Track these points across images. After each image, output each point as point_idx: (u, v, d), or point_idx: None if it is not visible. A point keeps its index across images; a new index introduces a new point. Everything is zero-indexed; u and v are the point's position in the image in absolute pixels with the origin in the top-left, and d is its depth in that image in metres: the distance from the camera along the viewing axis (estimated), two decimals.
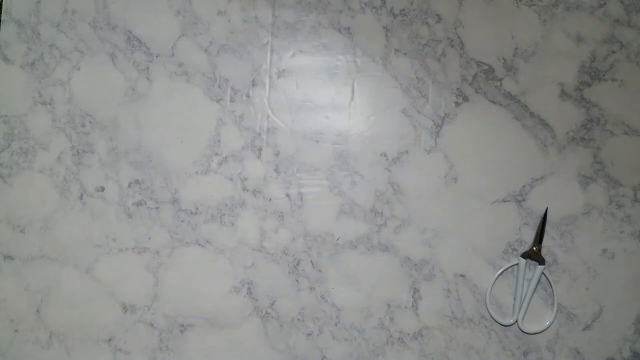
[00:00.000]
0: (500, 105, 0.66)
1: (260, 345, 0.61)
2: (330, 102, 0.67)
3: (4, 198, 0.65)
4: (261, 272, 0.63)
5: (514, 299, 0.62)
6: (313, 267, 0.64)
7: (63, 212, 0.64)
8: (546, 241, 0.63)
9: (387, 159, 0.65)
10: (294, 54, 0.68)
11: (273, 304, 0.62)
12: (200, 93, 0.67)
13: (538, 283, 0.62)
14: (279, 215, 0.64)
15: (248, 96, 0.67)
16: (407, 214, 0.64)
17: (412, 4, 0.69)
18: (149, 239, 0.64)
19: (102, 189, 0.65)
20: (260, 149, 0.66)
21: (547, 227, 0.63)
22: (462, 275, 0.63)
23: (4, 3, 0.70)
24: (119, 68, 0.68)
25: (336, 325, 0.61)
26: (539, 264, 0.62)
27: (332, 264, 0.64)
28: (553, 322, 0.61)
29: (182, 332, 0.63)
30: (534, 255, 0.62)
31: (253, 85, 0.67)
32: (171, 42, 0.69)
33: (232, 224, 0.64)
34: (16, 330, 0.62)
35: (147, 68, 0.68)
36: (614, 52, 0.67)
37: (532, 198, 0.64)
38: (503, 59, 0.67)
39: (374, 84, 0.67)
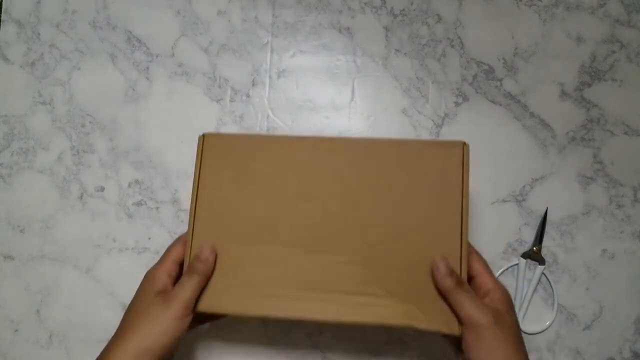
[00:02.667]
0: (500, 105, 0.66)
1: (260, 345, 0.61)
2: (330, 102, 0.67)
3: (4, 198, 0.65)
4: None
5: (514, 299, 0.62)
6: None
7: (63, 212, 0.64)
8: (546, 241, 0.63)
9: None
10: (294, 54, 0.68)
11: None
12: (200, 93, 0.67)
13: (538, 283, 0.62)
14: None
15: (248, 96, 0.67)
16: None
17: (412, 4, 0.69)
18: (149, 239, 0.64)
19: (102, 189, 0.65)
20: None
21: (547, 227, 0.63)
22: None
23: (4, 3, 0.70)
24: (119, 68, 0.68)
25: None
26: (539, 264, 0.62)
27: None
28: (553, 322, 0.61)
29: None
30: (534, 255, 0.62)
31: (253, 85, 0.68)
32: (171, 42, 0.69)
33: None
34: (16, 330, 0.62)
35: (147, 68, 0.68)
36: (614, 52, 0.67)
37: (532, 198, 0.64)
38: (503, 59, 0.67)
39: (374, 84, 0.67)
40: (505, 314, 0.46)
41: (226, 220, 0.50)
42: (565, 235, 0.63)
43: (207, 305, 0.48)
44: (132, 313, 0.47)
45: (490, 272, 0.49)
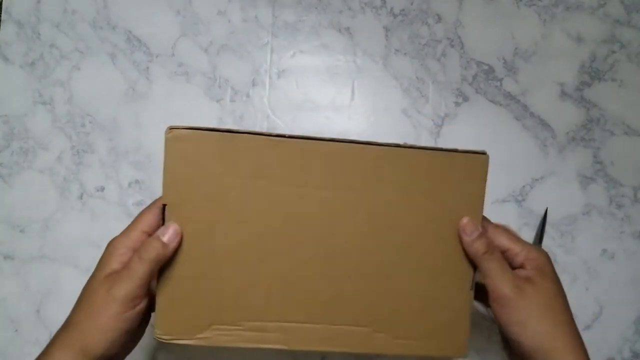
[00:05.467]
0: (500, 105, 0.66)
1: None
2: (331, 103, 0.67)
3: (4, 198, 0.65)
4: None
5: None
6: None
7: (63, 212, 0.64)
8: (546, 241, 0.63)
9: None
10: (294, 54, 0.68)
11: None
12: (200, 93, 0.67)
13: None
14: None
15: (248, 96, 0.67)
16: None
17: (412, 4, 0.69)
18: None
19: (102, 189, 0.65)
20: None
21: (547, 227, 0.63)
22: None
23: (4, 3, 0.70)
24: (119, 68, 0.68)
25: None
26: None
27: None
28: None
29: None
30: None
31: (253, 85, 0.67)
32: (171, 42, 0.69)
33: None
34: (16, 330, 0.62)
35: (147, 68, 0.68)
36: (614, 52, 0.67)
37: (532, 198, 0.64)
38: (503, 59, 0.67)
39: (374, 84, 0.67)
40: (538, 281, 0.43)
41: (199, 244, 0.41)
42: (565, 235, 0.63)
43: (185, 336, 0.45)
44: (80, 297, 0.42)
45: (518, 240, 0.45)
